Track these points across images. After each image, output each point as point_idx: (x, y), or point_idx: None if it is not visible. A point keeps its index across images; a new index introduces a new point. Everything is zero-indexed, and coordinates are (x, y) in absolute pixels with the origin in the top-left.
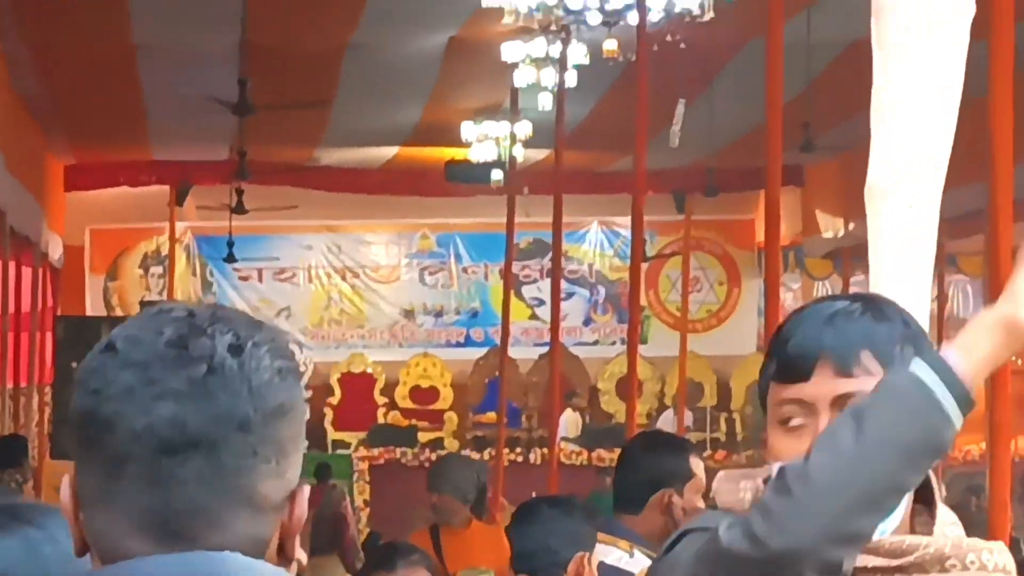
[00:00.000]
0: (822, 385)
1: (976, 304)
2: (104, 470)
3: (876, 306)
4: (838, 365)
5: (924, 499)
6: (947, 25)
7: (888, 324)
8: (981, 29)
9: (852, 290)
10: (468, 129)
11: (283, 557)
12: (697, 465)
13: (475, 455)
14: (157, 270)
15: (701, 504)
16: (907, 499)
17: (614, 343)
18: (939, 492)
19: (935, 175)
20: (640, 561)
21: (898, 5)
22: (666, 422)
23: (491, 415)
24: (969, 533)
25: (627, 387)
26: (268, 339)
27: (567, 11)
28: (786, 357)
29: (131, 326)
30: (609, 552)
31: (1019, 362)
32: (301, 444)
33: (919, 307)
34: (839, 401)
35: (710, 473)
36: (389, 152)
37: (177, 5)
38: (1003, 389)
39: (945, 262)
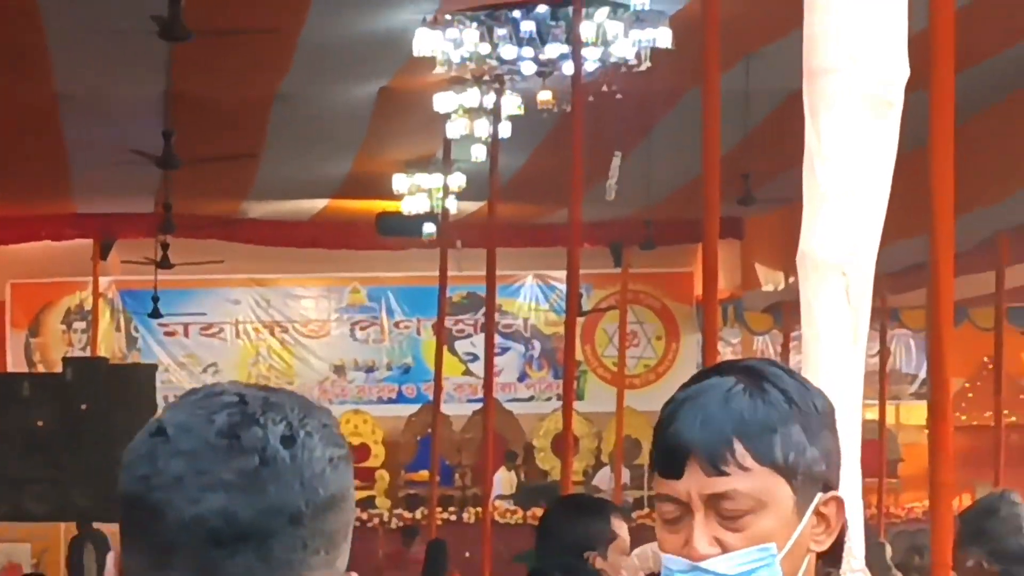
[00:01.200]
0: (692, 483)
1: (919, 357)
2: (152, 557)
3: (758, 382)
4: (708, 463)
5: (831, 560)
6: (881, 89)
7: (767, 407)
8: (919, 80)
9: (793, 344)
10: (400, 181)
11: None
12: (620, 526)
13: (407, 514)
14: (80, 325)
15: (625, 563)
16: (808, 559)
17: (550, 399)
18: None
19: (869, 240)
20: None
21: (831, 69)
22: (603, 480)
23: (423, 473)
24: None
25: (563, 444)
26: (320, 426)
27: (500, 61)
28: (659, 451)
29: (182, 409)
30: None
31: (962, 418)
32: (350, 531)
33: (852, 367)
34: (712, 500)
35: (647, 532)
36: (319, 204)
37: (100, 54)
38: (945, 447)
39: (887, 316)
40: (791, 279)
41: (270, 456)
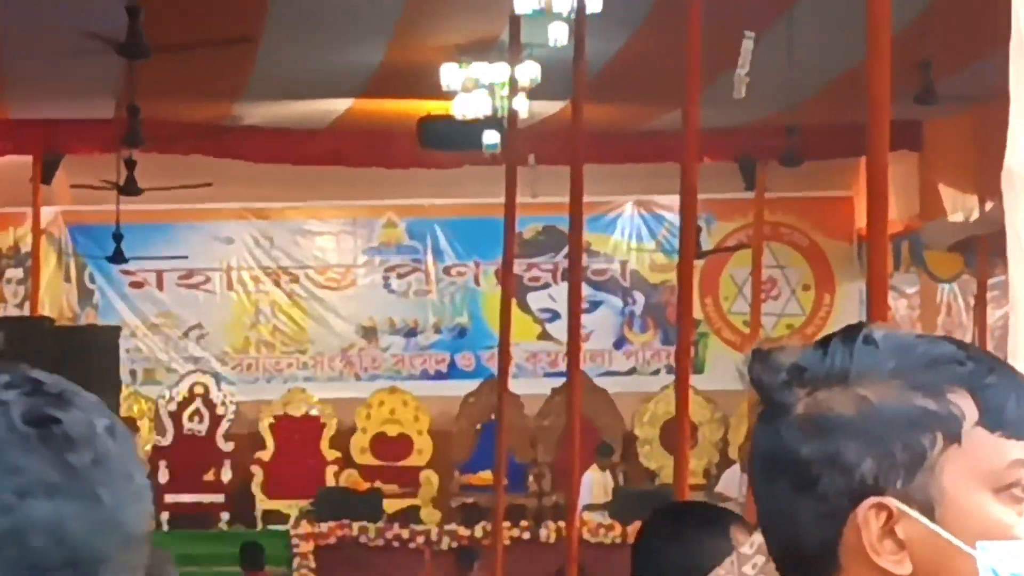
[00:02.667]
0: None
1: None
2: None
3: None
4: None
5: None
6: None
7: None
8: None
9: (991, 295)
10: (450, 74)
11: None
12: (739, 540)
13: (463, 531)
14: (16, 273)
15: None
16: None
17: (657, 372)
18: None
19: None
20: None
21: None
22: (731, 483)
23: (485, 475)
24: None
25: (675, 434)
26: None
27: None
28: (1015, 407)
29: None
30: None
31: None
32: None
33: None
34: None
35: None
36: (339, 106)
37: None
38: None
39: None
40: (988, 205)
41: (102, 452)
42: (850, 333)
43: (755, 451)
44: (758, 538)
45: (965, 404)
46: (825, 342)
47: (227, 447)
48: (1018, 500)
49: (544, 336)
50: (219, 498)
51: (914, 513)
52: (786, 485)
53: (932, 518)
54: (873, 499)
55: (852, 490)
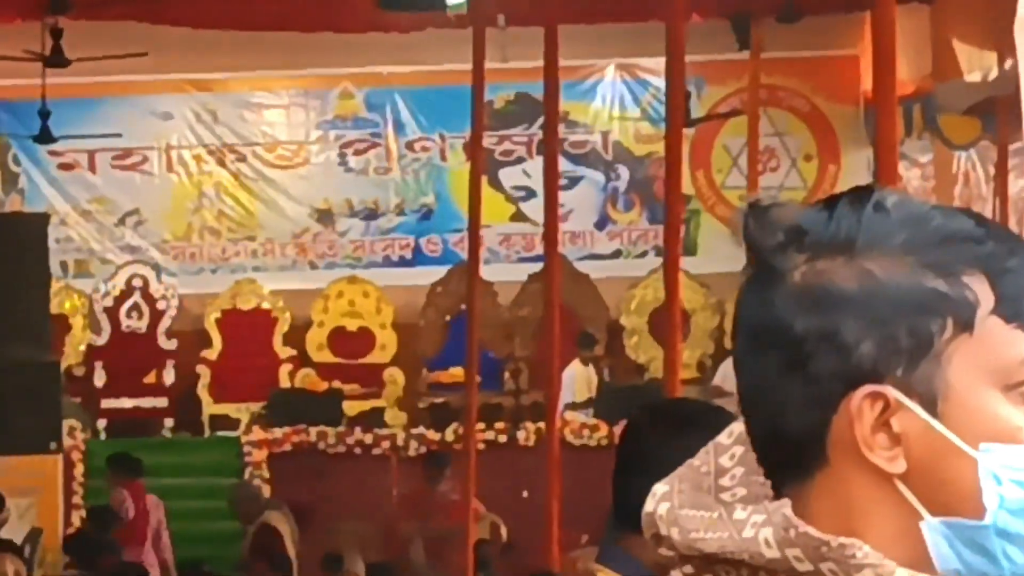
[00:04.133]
0: None
1: None
2: None
3: None
4: None
5: None
6: None
7: None
8: None
9: (1013, 163)
10: None
11: None
12: None
13: (432, 434)
14: None
15: None
16: None
17: (644, 254)
18: None
19: None
20: None
21: None
22: (728, 376)
23: (456, 371)
24: None
25: (665, 323)
26: None
27: None
28: None
29: None
30: None
31: None
32: None
33: None
34: None
35: None
36: None
37: None
38: None
39: None
40: (1008, 63)
41: None
42: (859, 197)
43: (741, 320)
44: (737, 427)
45: (981, 289)
46: (831, 204)
47: (169, 345)
48: None
49: (518, 217)
50: (162, 402)
51: (914, 405)
52: (773, 362)
53: (934, 413)
54: (869, 386)
55: (847, 374)
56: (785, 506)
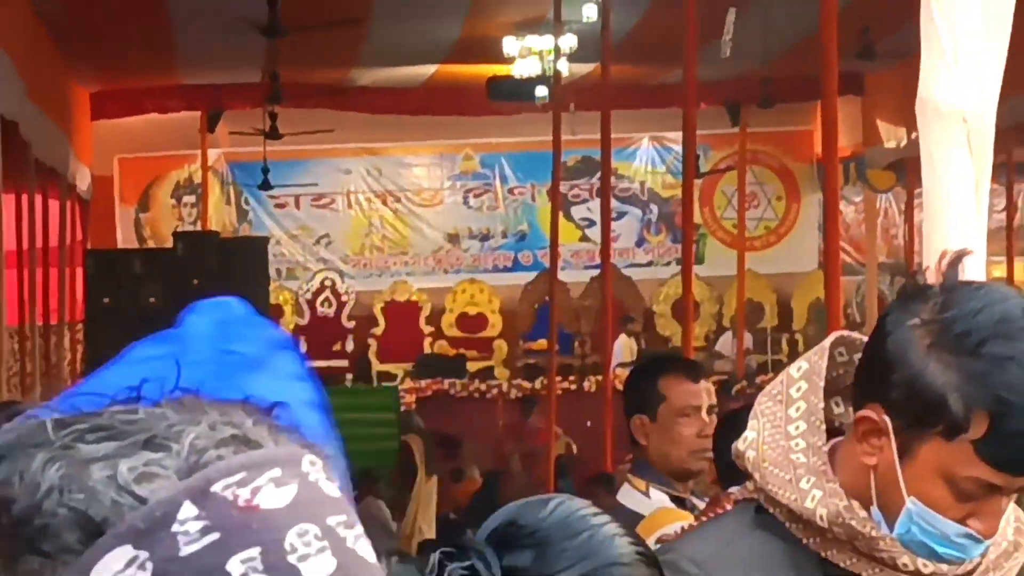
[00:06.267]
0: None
1: None
2: None
3: None
4: None
5: None
6: None
7: None
8: None
9: (917, 202)
10: (510, 44)
11: None
12: (669, 386)
13: (526, 384)
14: (190, 199)
15: (682, 428)
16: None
17: (668, 263)
18: None
19: (990, 86)
20: (656, 500)
21: None
22: (725, 345)
23: (542, 342)
24: None
25: (683, 309)
26: None
27: None
28: (1014, 452)
29: None
30: (629, 494)
31: None
32: None
33: (975, 220)
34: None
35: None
36: (428, 70)
37: None
38: None
39: (1014, 170)
40: (913, 134)
41: None
42: (1001, 298)
43: (885, 312)
44: (805, 364)
45: (978, 423)
46: (982, 292)
47: (349, 325)
48: (966, 499)
49: (584, 239)
50: (344, 363)
51: (892, 445)
52: (866, 354)
53: (901, 459)
54: (882, 412)
55: (878, 395)
56: (837, 495)
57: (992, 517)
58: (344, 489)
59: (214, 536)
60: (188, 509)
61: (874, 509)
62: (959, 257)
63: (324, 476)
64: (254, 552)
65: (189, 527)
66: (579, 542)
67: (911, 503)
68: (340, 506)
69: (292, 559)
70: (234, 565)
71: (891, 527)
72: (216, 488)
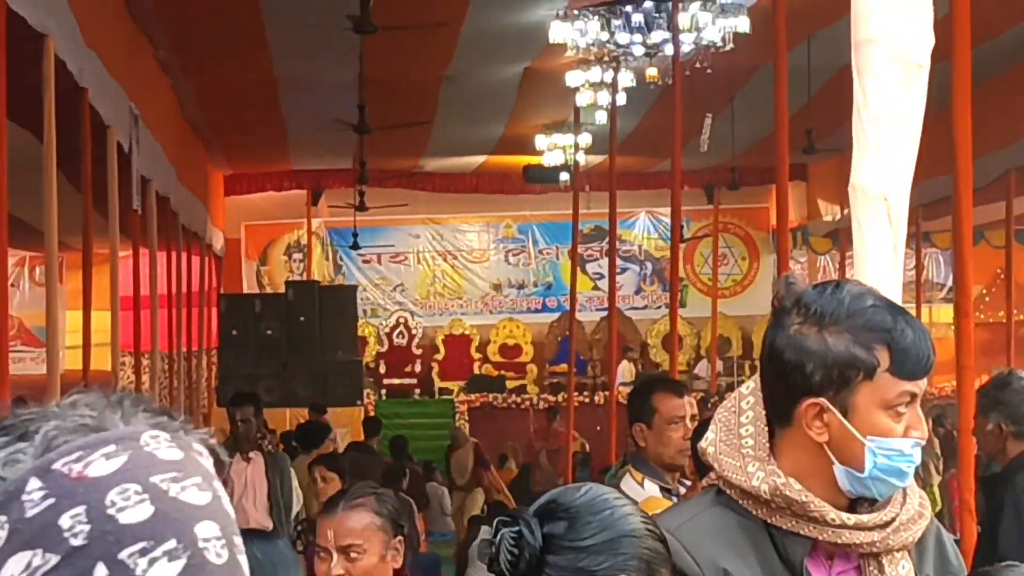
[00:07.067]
0: (924, 385)
1: (946, 270)
2: None
3: None
4: (928, 374)
5: None
6: (912, 55)
7: None
8: (944, 53)
9: (849, 262)
10: (541, 141)
11: None
12: (662, 401)
13: (551, 398)
14: (298, 256)
15: (671, 433)
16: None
17: (659, 307)
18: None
19: (904, 174)
20: (648, 490)
21: (873, 40)
22: (701, 369)
23: (563, 366)
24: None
25: (670, 342)
26: None
27: (616, 45)
28: (918, 360)
29: None
30: (628, 483)
31: (980, 316)
32: None
33: (893, 276)
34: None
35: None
36: (479, 160)
37: (309, 45)
38: (967, 339)
39: (921, 238)
40: (846, 210)
41: None
42: (838, 286)
43: (766, 337)
44: (752, 384)
45: (883, 356)
46: (822, 288)
47: (417, 352)
48: (900, 416)
49: (595, 288)
50: (413, 381)
51: (835, 411)
52: (772, 370)
53: (846, 416)
54: (814, 399)
55: (806, 388)
56: (774, 473)
57: (919, 421)
58: (200, 453)
59: (51, 501)
60: (33, 483)
61: (839, 470)
62: (787, 282)
63: (165, 445)
64: (80, 509)
65: (34, 496)
66: (602, 517)
67: (868, 441)
68: (172, 466)
69: (111, 511)
70: (64, 520)
71: (860, 472)
72: (56, 465)
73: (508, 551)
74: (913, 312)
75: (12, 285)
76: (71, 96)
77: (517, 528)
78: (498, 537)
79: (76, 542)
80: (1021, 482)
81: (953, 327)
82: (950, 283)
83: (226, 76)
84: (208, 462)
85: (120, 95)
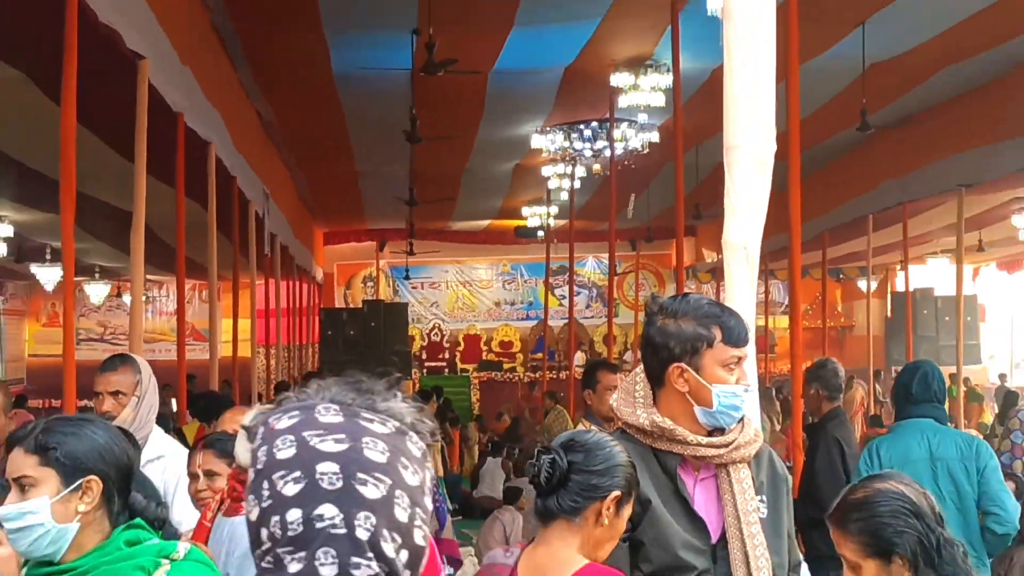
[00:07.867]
0: (745, 352)
1: (784, 293)
2: None
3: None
4: (746, 344)
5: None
6: (761, 156)
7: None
8: (782, 154)
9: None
10: (526, 210)
11: None
12: (604, 376)
13: (531, 375)
14: (370, 284)
15: (608, 397)
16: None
17: (602, 318)
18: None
19: (757, 232)
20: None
21: (737, 146)
22: (628, 356)
23: (540, 355)
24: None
25: (608, 340)
26: None
27: (574, 150)
28: (738, 333)
29: None
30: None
31: (806, 323)
32: None
33: (750, 298)
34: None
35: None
36: (486, 222)
37: (377, 150)
38: (797, 338)
39: (768, 273)
40: (720, 256)
41: None
42: (686, 297)
43: (643, 330)
44: (641, 367)
45: (717, 332)
46: (677, 297)
47: (446, 346)
48: (732, 371)
49: (560, 305)
50: (444, 364)
51: (691, 371)
52: (647, 349)
53: (696, 371)
54: (676, 364)
55: (671, 357)
56: (653, 413)
57: (744, 375)
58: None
59: (260, 439)
60: (262, 429)
61: (697, 409)
62: (653, 296)
63: (331, 413)
64: (265, 447)
65: (260, 435)
66: (605, 452)
67: (714, 387)
68: (323, 426)
69: (274, 450)
70: (260, 453)
71: (710, 408)
72: (270, 420)
73: (546, 471)
74: (761, 322)
75: (188, 302)
76: (225, 183)
77: (552, 456)
78: (540, 461)
79: (259, 465)
80: (830, 429)
81: (788, 330)
82: (787, 302)
83: (324, 170)
84: (378, 427)
85: (257, 182)
